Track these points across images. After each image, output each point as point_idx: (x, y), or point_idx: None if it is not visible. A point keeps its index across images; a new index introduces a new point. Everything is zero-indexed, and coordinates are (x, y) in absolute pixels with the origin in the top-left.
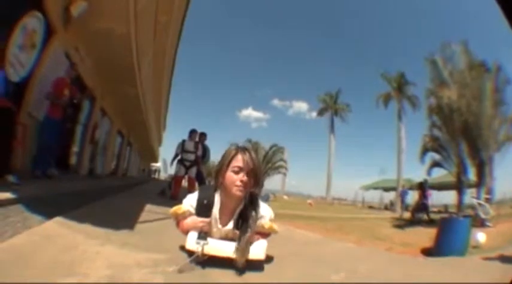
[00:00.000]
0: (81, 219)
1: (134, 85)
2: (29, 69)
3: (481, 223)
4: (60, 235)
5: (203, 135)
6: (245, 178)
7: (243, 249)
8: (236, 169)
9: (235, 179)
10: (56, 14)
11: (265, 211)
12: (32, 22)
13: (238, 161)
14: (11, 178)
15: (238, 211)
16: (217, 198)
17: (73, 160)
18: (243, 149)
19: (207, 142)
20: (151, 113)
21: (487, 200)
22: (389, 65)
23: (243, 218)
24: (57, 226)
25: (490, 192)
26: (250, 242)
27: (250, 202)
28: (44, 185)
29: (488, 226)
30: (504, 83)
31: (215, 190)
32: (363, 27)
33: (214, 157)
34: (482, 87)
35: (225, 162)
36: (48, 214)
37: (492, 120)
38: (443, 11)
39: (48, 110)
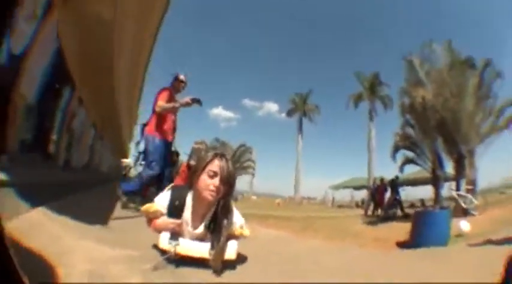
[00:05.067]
0: (60, 211)
1: (110, 75)
2: (27, 42)
3: (464, 213)
4: (41, 225)
5: None
6: (218, 183)
7: (218, 255)
8: (211, 173)
9: (208, 183)
10: None
11: (236, 218)
12: None
13: (215, 166)
14: (3, 159)
15: (208, 216)
16: (189, 201)
17: (51, 149)
18: (221, 155)
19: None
20: (124, 107)
21: (469, 191)
22: (364, 65)
23: (215, 224)
24: (40, 215)
25: (472, 183)
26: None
27: (223, 210)
28: (29, 170)
29: (473, 215)
30: (493, 78)
31: (188, 192)
32: (337, 25)
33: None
34: (464, 84)
35: (201, 165)
36: (33, 202)
37: (473, 114)
38: (429, 9)
39: (155, 128)
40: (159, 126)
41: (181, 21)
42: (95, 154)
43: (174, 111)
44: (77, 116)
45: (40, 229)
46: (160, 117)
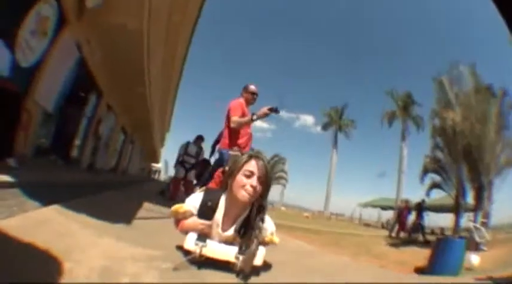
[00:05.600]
0: (78, 209)
1: (143, 84)
2: (39, 56)
3: (475, 247)
4: (56, 222)
5: (200, 138)
6: (255, 183)
7: (248, 259)
8: (248, 173)
9: (245, 183)
10: (70, 4)
11: (267, 224)
12: (46, 8)
13: (251, 166)
14: (11, 162)
15: (241, 218)
16: (222, 202)
17: (75, 152)
18: (257, 156)
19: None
20: (156, 113)
21: (483, 224)
22: (397, 84)
23: (247, 227)
24: (54, 213)
25: (486, 216)
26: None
27: (257, 211)
28: (42, 173)
29: (483, 250)
30: (509, 108)
31: (221, 194)
32: (374, 45)
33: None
34: (487, 111)
35: (237, 165)
36: (45, 201)
37: (495, 144)
38: (454, 35)
39: (229, 143)
40: (234, 141)
41: (217, 29)
42: (123, 158)
43: (249, 124)
44: (103, 122)
45: (49, 226)
46: (235, 132)
